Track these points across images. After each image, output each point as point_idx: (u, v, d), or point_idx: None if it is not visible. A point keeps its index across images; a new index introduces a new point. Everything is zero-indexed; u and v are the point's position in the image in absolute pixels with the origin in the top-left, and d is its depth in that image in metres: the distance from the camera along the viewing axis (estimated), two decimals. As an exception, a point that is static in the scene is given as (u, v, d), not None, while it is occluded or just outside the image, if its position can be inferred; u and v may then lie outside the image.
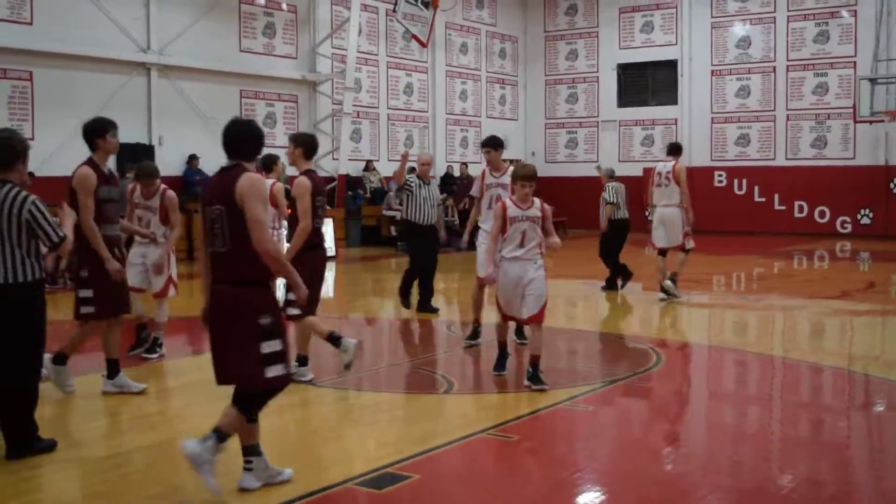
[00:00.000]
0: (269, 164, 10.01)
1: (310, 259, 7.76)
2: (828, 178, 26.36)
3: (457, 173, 26.55)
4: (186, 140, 20.48)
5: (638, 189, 28.12)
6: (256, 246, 5.12)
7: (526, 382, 7.93)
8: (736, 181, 27.70)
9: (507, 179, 9.80)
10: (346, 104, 23.76)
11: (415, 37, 25.46)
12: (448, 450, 6.32)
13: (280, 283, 7.17)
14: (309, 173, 7.97)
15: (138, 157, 16.37)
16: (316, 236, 8.03)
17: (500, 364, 8.53)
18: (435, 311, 12.37)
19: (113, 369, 7.81)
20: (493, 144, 10.04)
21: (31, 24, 18.10)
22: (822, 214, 26.67)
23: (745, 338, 11.47)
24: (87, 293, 7.50)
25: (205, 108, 21.12)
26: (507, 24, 30.83)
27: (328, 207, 22.85)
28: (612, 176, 14.84)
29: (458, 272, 17.84)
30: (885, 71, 25.31)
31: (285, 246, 8.26)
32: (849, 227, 26.30)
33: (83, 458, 6.19)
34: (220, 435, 5.26)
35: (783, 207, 27.19)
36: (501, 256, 8.05)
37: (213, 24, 21.47)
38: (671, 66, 29.13)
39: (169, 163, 19.89)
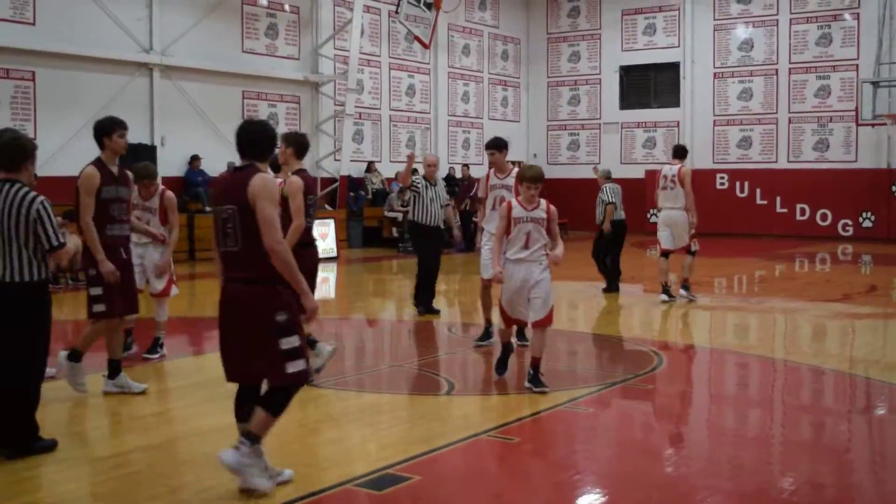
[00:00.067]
0: (277, 164, 10.01)
1: (302, 257, 7.76)
2: (830, 180, 26.36)
3: (458, 175, 26.56)
4: (188, 141, 20.51)
5: (639, 191, 28.21)
6: (267, 246, 5.14)
7: (526, 384, 7.92)
8: (738, 183, 27.70)
9: (511, 181, 9.79)
10: (349, 105, 23.77)
11: (417, 38, 25.46)
12: (449, 451, 6.31)
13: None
14: (300, 172, 7.99)
15: (140, 157, 16.37)
16: (307, 235, 8.10)
17: (502, 365, 8.48)
18: (436, 312, 12.36)
19: (114, 369, 7.82)
20: (497, 146, 10.01)
21: (33, 24, 18.13)
22: (823, 217, 26.66)
23: (746, 340, 11.46)
24: (97, 291, 7.51)
25: (207, 108, 21.15)
26: (509, 26, 30.84)
27: (329, 208, 23.08)
28: (608, 177, 14.84)
29: (459, 273, 17.84)
30: (888, 74, 25.31)
31: None
32: (850, 230, 26.29)
33: (84, 458, 6.19)
34: (252, 437, 5.29)
35: (785, 210, 27.18)
36: (506, 258, 7.98)
37: (216, 24, 21.50)
38: (673, 68, 29.14)
39: (171, 163, 19.94)
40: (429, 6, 25.32)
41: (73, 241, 9.47)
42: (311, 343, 7.95)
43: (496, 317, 10.23)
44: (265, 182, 5.22)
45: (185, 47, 20.67)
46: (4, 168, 6.12)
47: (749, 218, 27.24)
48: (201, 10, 21.12)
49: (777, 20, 27.54)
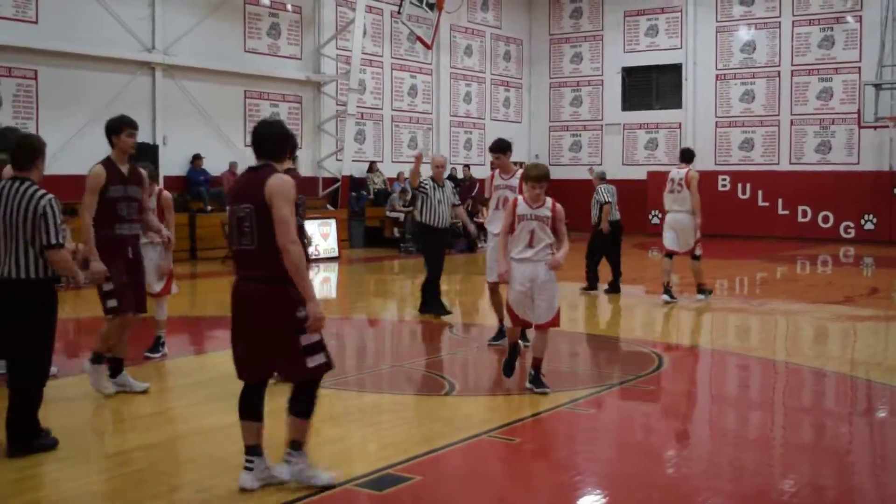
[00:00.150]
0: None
1: None
2: (832, 183, 26.35)
3: (460, 175, 26.56)
4: (190, 140, 20.53)
5: (641, 192, 28.21)
6: (280, 245, 5.18)
7: (528, 385, 7.92)
8: (740, 185, 27.69)
9: (514, 182, 9.79)
10: (351, 105, 23.78)
11: (419, 38, 25.47)
12: (450, 451, 6.31)
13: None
14: (289, 172, 7.95)
15: (142, 157, 16.37)
16: (298, 233, 8.07)
17: (510, 366, 8.33)
18: (448, 312, 12.33)
19: (116, 368, 7.82)
20: (501, 149, 9.99)
21: (36, 22, 18.13)
22: (825, 219, 26.65)
23: (747, 342, 11.45)
24: (108, 287, 7.51)
25: (209, 108, 21.17)
26: (511, 27, 30.84)
27: (330, 208, 23.06)
28: (603, 178, 14.87)
29: (460, 273, 17.83)
30: (890, 76, 25.30)
31: None
32: (852, 233, 26.28)
33: (85, 457, 6.19)
34: (296, 444, 5.43)
35: (787, 212, 27.18)
36: (511, 258, 7.93)
37: (218, 24, 21.51)
38: (676, 69, 29.13)
39: (173, 162, 19.96)
40: (431, 6, 25.32)
41: (70, 245, 9.41)
42: None
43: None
44: (282, 182, 5.27)
45: (188, 46, 20.68)
46: (15, 166, 6.21)
47: (751, 220, 27.23)
48: (204, 9, 21.13)
49: (779, 22, 27.53)
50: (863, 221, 26.20)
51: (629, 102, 30.08)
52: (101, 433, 6.87)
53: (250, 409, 5.48)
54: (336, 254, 20.79)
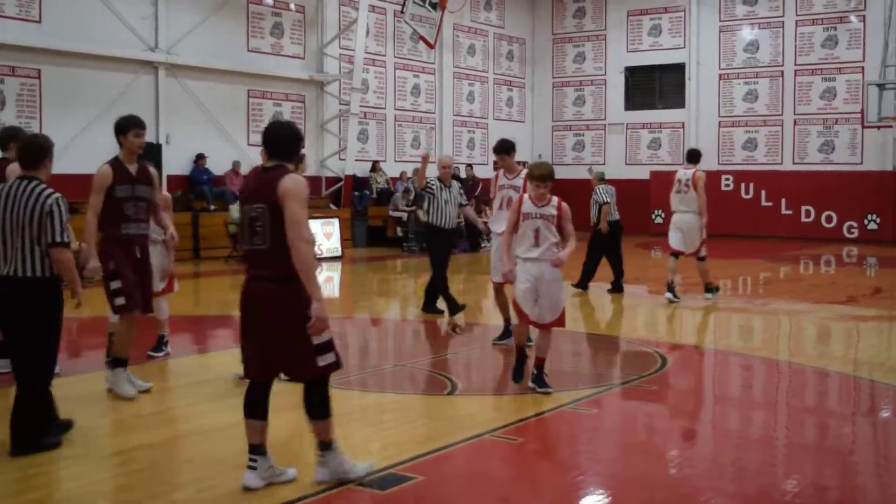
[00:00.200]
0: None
1: None
2: (835, 182, 26.32)
3: (463, 175, 26.55)
4: (193, 139, 20.54)
5: (644, 192, 28.19)
6: (290, 241, 5.22)
7: (530, 384, 7.91)
8: (743, 185, 27.65)
9: (519, 182, 9.79)
10: (354, 105, 23.78)
11: (422, 38, 25.47)
12: (452, 451, 6.31)
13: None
14: None
15: (145, 156, 16.37)
16: None
17: (519, 372, 8.12)
18: (440, 312, 12.34)
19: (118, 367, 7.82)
20: (506, 150, 9.98)
21: (39, 21, 18.15)
22: (829, 219, 26.62)
23: (750, 342, 11.44)
24: (116, 284, 7.51)
25: (212, 107, 21.18)
26: (514, 26, 30.83)
27: (333, 207, 23.06)
28: (601, 179, 14.88)
29: (463, 273, 17.83)
30: (894, 76, 25.29)
31: None
32: (856, 232, 26.25)
33: (88, 456, 6.19)
34: (325, 444, 5.51)
35: (790, 212, 27.14)
36: (517, 256, 7.88)
37: (221, 23, 21.52)
38: (679, 69, 29.11)
39: (176, 162, 19.97)
40: (434, 6, 25.31)
41: (74, 244, 9.41)
42: None
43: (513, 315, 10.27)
44: (295, 182, 5.32)
45: (191, 46, 20.69)
46: (24, 166, 6.27)
47: (754, 219, 27.19)
48: (207, 8, 21.14)
49: (783, 22, 27.50)
50: (866, 221, 26.17)
51: (632, 102, 30.06)
52: (104, 432, 6.86)
53: (255, 407, 5.49)
54: (339, 253, 20.80)
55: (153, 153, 18.19)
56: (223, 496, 5.36)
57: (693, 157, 13.84)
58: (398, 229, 23.62)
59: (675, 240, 13.53)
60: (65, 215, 6.10)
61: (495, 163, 10.16)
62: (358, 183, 24.32)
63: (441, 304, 12.55)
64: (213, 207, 20.03)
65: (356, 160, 24.46)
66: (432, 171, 12.78)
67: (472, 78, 29.22)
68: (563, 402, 7.63)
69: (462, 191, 12.30)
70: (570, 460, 6.39)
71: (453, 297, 11.99)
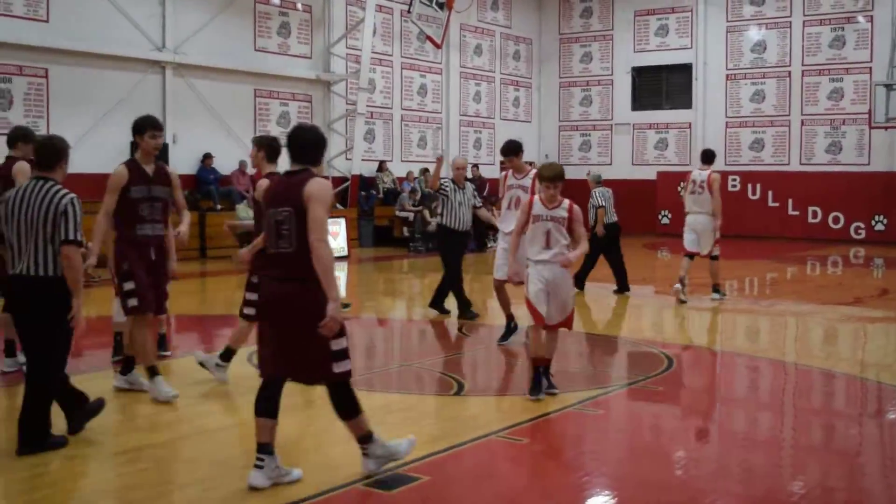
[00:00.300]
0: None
1: None
2: (842, 183, 26.25)
3: (469, 175, 26.52)
4: (201, 138, 20.56)
5: (650, 193, 28.17)
6: (311, 242, 5.28)
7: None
8: (750, 186, 27.60)
9: (527, 182, 9.79)
10: (360, 104, 23.78)
11: (429, 38, 25.46)
12: (458, 452, 6.31)
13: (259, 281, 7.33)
14: (271, 176, 7.94)
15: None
16: None
17: (537, 386, 7.73)
18: (447, 312, 12.33)
19: (128, 365, 7.84)
20: (514, 152, 9.97)
21: (47, 21, 18.17)
22: (836, 220, 26.56)
23: (756, 343, 11.43)
24: (130, 286, 7.50)
25: (219, 107, 21.20)
26: (521, 26, 30.81)
27: (339, 207, 23.07)
28: (598, 181, 14.88)
29: (469, 273, 17.78)
30: (901, 77, 25.20)
31: None
32: (863, 233, 26.18)
33: (94, 455, 6.21)
34: (363, 438, 5.63)
35: (797, 212, 27.09)
36: (528, 258, 7.83)
37: (229, 22, 21.54)
38: (686, 69, 29.06)
39: (183, 161, 19.96)
40: (441, 6, 25.32)
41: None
42: (228, 353, 8.23)
43: (514, 312, 10.25)
44: (321, 186, 5.40)
45: (198, 45, 20.71)
46: (39, 166, 6.31)
47: (761, 220, 27.14)
48: (214, 8, 21.17)
49: (790, 22, 27.44)
50: (873, 222, 26.10)
51: (639, 102, 30.02)
52: (109, 432, 6.87)
53: (267, 406, 5.50)
54: (345, 253, 20.80)
55: (160, 152, 18.14)
56: (229, 496, 5.36)
57: (707, 157, 13.81)
58: (404, 229, 23.62)
59: (689, 241, 13.54)
60: (79, 215, 6.13)
61: (502, 163, 10.13)
62: (364, 183, 24.33)
63: (448, 304, 12.54)
64: (219, 207, 20.05)
65: (363, 160, 24.47)
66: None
67: (478, 78, 29.21)
68: (569, 402, 7.62)
69: (476, 193, 12.26)
70: (576, 461, 6.38)
71: (468, 300, 11.97)
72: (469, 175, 25.71)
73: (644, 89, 30.02)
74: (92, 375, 8.12)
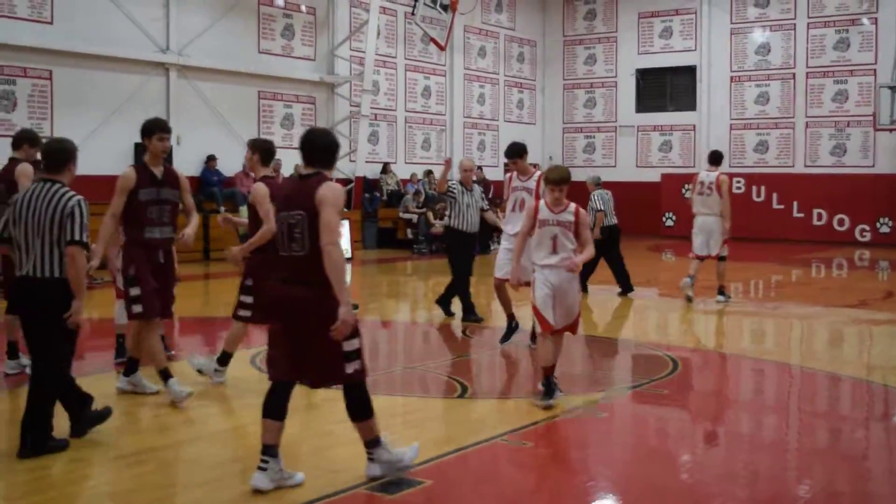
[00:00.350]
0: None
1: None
2: (847, 185, 26.21)
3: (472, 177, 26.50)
4: (204, 140, 20.57)
5: (655, 195, 28.14)
6: (322, 245, 5.30)
7: (541, 387, 7.86)
8: (754, 188, 27.56)
9: (532, 184, 9.78)
10: (364, 106, 23.78)
11: (433, 40, 25.45)
12: (462, 455, 6.29)
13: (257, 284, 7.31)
14: (265, 179, 7.93)
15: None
16: None
17: (549, 391, 7.58)
18: (452, 314, 12.30)
19: (131, 367, 7.82)
20: (517, 154, 9.95)
21: (51, 23, 18.19)
22: (840, 222, 26.51)
23: (762, 346, 11.39)
24: (135, 291, 7.47)
25: (223, 109, 21.20)
26: (525, 28, 30.80)
27: (343, 209, 23.02)
28: (597, 184, 14.88)
29: (473, 276, 17.75)
30: (906, 79, 25.16)
31: None
32: (868, 236, 26.14)
33: (95, 459, 6.19)
34: (372, 442, 5.62)
35: (802, 215, 27.04)
36: (534, 263, 7.78)
37: (232, 25, 21.55)
38: (690, 71, 29.05)
39: (187, 163, 19.93)
40: (445, 8, 25.30)
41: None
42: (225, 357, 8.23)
43: (515, 312, 10.23)
44: (333, 189, 5.43)
45: (202, 47, 20.72)
46: (47, 169, 6.33)
47: (765, 222, 27.10)
48: (218, 10, 21.18)
49: (794, 24, 27.41)
50: (878, 224, 26.05)
51: (643, 104, 30.00)
52: (112, 435, 6.85)
53: (275, 408, 5.49)
54: (349, 255, 20.78)
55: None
56: (232, 498, 5.34)
57: (715, 158, 13.81)
58: (408, 231, 23.62)
59: (698, 245, 13.57)
60: (86, 217, 6.14)
61: (506, 165, 10.12)
62: (368, 185, 24.33)
63: (454, 307, 12.50)
64: (223, 209, 20.03)
65: (367, 162, 24.47)
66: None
67: (482, 80, 29.20)
68: (574, 405, 7.60)
69: (483, 195, 12.23)
70: (580, 464, 6.36)
71: (472, 304, 11.96)
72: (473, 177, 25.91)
73: (648, 91, 30.00)
74: (94, 377, 8.10)
